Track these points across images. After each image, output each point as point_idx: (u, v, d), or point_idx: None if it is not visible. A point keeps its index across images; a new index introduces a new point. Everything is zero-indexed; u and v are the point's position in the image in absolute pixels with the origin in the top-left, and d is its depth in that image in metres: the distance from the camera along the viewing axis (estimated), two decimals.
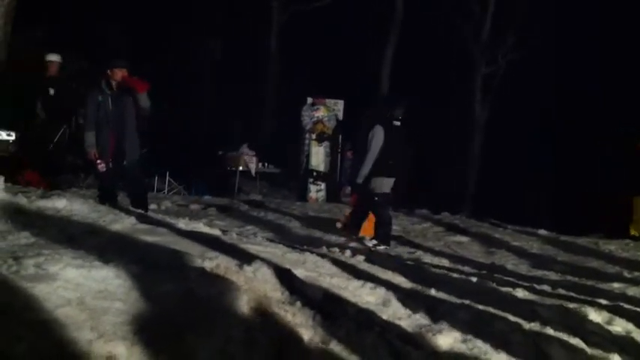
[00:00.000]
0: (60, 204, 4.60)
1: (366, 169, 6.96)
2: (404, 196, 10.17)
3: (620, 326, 3.48)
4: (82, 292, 2.57)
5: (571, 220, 11.62)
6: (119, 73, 6.55)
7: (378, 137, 6.95)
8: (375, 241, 6.91)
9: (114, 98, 6.57)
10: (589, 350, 3.05)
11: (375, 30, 15.86)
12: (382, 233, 7.01)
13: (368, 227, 7.37)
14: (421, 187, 12.59)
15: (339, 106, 12.31)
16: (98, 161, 6.58)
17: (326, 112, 11.76)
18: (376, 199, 7.04)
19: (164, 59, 15.49)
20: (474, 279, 4.63)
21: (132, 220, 4.40)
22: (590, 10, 14.37)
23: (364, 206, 7.31)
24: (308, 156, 11.71)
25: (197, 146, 12.32)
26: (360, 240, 7.04)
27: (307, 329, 2.65)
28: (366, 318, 2.95)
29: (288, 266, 3.50)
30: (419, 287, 3.85)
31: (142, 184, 7.16)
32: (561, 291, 4.55)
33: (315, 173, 11.68)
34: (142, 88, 6.52)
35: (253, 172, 11.74)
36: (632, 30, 13.59)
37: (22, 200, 4.50)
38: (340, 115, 12.15)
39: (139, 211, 5.77)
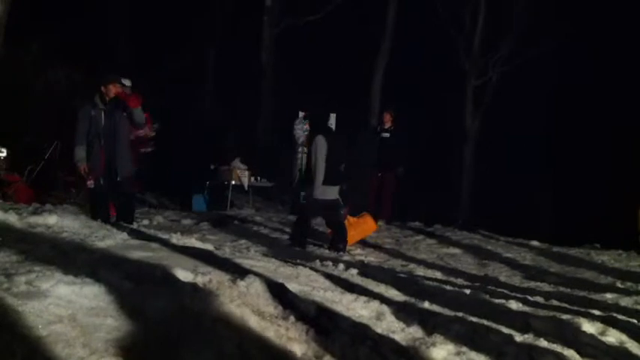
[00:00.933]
0: (51, 220, 4.59)
1: (318, 181, 6.92)
2: (396, 203, 10.20)
3: (613, 337, 3.48)
4: (74, 308, 2.56)
5: (571, 223, 11.67)
6: (113, 89, 6.52)
7: (321, 146, 6.90)
8: (289, 242, 7.09)
9: (107, 113, 6.52)
10: None
11: (367, 42, 15.96)
12: (295, 233, 7.12)
13: (355, 235, 7.41)
14: (416, 195, 12.65)
15: (331, 119, 12.32)
16: (88, 177, 6.53)
17: None
18: (306, 202, 7.13)
19: (162, 67, 15.53)
20: (467, 291, 4.62)
21: (124, 235, 4.39)
22: (586, 9, 14.33)
23: (332, 219, 7.30)
24: (301, 169, 11.70)
25: (195, 160, 12.28)
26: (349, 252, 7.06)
27: (301, 344, 2.65)
28: (359, 332, 2.95)
29: (281, 280, 3.50)
30: (412, 300, 3.84)
31: (131, 201, 7.06)
32: (554, 302, 4.55)
33: None
34: (136, 104, 6.48)
35: (246, 186, 11.71)
36: (632, 29, 13.58)
37: (13, 217, 4.49)
38: (333, 129, 12.15)
39: (131, 226, 5.75)
